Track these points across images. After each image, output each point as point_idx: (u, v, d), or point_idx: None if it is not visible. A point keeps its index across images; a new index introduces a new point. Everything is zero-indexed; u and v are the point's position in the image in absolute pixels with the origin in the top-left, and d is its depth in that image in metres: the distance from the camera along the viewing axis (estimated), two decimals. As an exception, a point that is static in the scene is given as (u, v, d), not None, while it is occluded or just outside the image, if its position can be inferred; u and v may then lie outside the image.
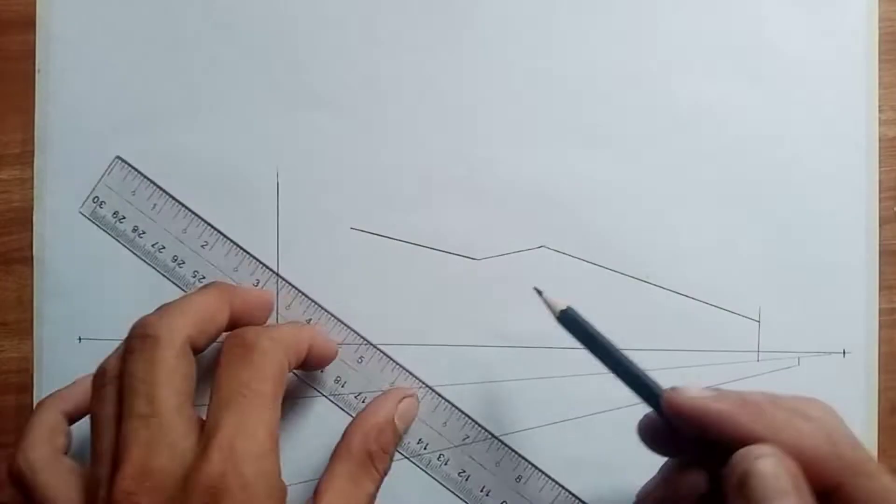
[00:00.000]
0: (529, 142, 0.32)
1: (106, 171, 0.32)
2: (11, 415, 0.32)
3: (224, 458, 0.23)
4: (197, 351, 0.27)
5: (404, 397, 0.31)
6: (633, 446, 0.32)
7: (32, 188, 0.32)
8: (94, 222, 0.32)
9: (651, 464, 0.32)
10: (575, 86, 0.32)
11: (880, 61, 0.32)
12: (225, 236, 0.32)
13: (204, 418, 0.25)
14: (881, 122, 0.32)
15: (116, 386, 0.25)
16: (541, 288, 0.28)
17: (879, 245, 0.32)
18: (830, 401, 0.31)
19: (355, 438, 0.29)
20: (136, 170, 0.32)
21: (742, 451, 0.23)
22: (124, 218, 0.32)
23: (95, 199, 0.32)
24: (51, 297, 0.32)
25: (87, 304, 0.32)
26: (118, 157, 0.32)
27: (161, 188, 0.32)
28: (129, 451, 0.24)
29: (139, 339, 0.25)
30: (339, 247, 0.32)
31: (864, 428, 0.31)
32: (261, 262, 0.32)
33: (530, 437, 0.32)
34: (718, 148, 0.32)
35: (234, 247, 0.32)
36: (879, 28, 0.32)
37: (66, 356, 0.32)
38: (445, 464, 0.32)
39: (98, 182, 0.32)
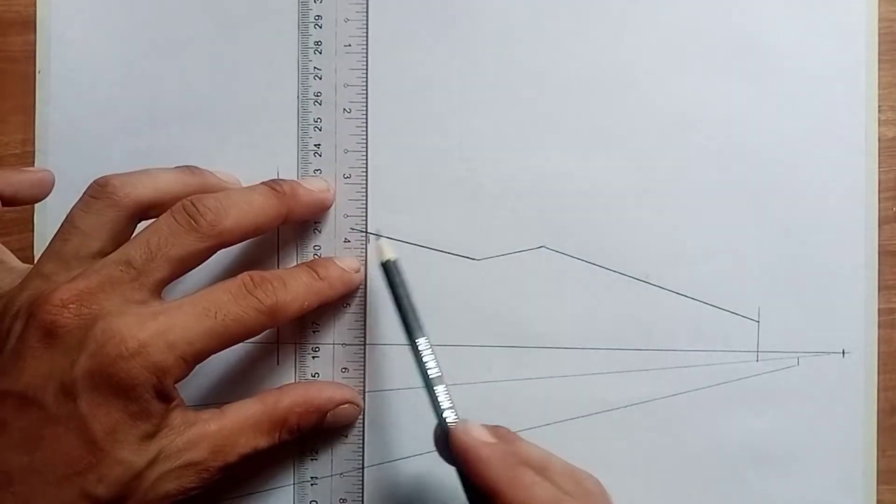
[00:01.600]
0: (529, 142, 0.32)
1: None
2: (12, 415, 0.32)
3: (155, 336, 0.25)
4: None
5: (348, 402, 0.31)
6: (633, 446, 0.32)
7: (33, 188, 0.32)
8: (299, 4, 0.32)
9: (651, 464, 0.32)
10: (575, 86, 0.32)
11: (880, 61, 0.32)
12: None
13: None
14: (881, 122, 0.32)
15: (122, 210, 0.27)
16: (379, 233, 0.31)
17: (879, 245, 0.32)
18: (830, 401, 0.32)
19: (287, 400, 0.29)
20: None
21: None
22: (319, 27, 0.32)
23: None
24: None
25: (87, 304, 0.32)
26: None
27: None
28: (91, 277, 0.26)
29: (186, 217, 0.27)
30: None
31: (862, 428, 0.31)
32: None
33: (530, 437, 0.32)
34: (718, 148, 0.32)
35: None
36: (879, 28, 0.32)
37: (66, 356, 0.32)
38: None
39: None
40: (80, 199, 0.28)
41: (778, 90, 0.32)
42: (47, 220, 0.32)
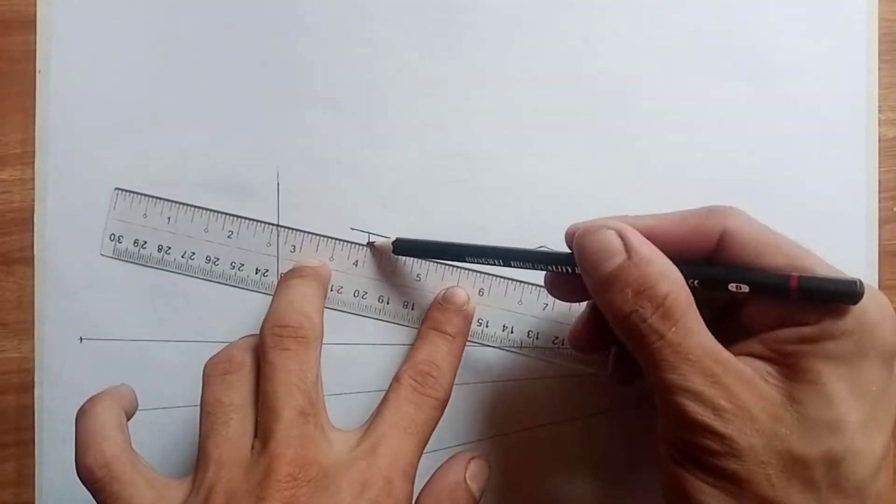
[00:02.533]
0: (529, 141, 0.32)
1: (111, 206, 0.32)
2: (11, 415, 0.33)
3: (390, 465, 0.26)
4: None
5: (472, 458, 0.30)
6: (634, 446, 0.32)
7: (33, 188, 0.32)
8: (120, 259, 0.32)
9: (650, 464, 0.32)
10: (575, 86, 0.32)
11: (880, 61, 0.32)
12: (245, 218, 0.32)
13: None
14: (881, 122, 0.32)
15: (252, 376, 0.27)
16: (372, 240, 0.32)
17: (879, 245, 0.32)
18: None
19: (427, 502, 0.28)
20: (138, 193, 0.32)
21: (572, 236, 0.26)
22: (146, 243, 0.32)
23: (112, 237, 0.32)
24: (51, 297, 0.32)
25: (87, 304, 0.32)
26: (117, 189, 0.32)
27: (168, 199, 0.32)
28: (291, 443, 0.25)
29: (293, 339, 0.27)
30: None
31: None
32: (289, 228, 0.32)
33: (530, 437, 0.32)
34: (718, 148, 0.32)
35: (258, 224, 0.32)
36: (879, 28, 0.32)
37: (66, 356, 0.32)
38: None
39: (107, 219, 0.32)
40: (212, 381, 0.27)
41: (778, 90, 0.32)
42: (47, 220, 0.32)
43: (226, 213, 0.32)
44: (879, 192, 0.32)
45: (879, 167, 0.32)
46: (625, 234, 0.24)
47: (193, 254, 0.32)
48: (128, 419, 0.28)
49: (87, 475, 0.25)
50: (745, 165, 0.32)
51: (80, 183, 0.33)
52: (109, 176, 0.33)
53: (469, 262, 0.30)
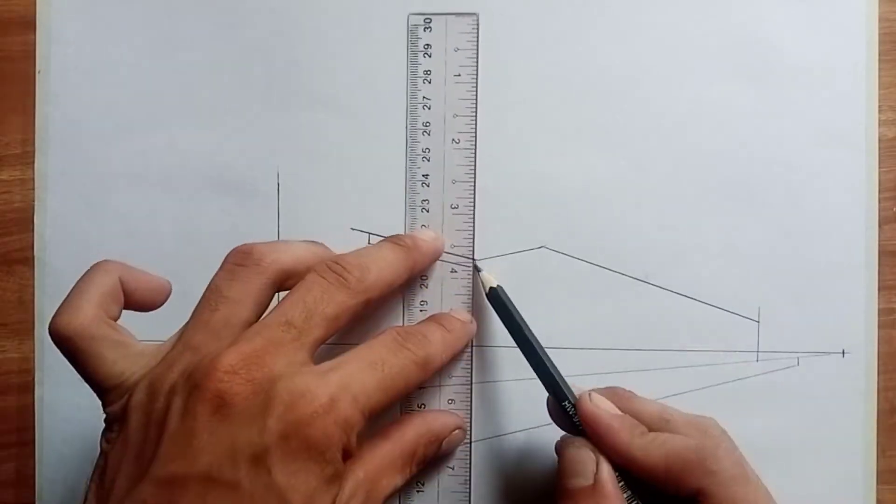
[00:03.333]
0: (529, 142, 0.32)
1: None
2: (12, 415, 0.33)
3: (341, 390, 0.24)
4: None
5: (458, 428, 0.31)
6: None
7: (33, 188, 0.33)
8: (409, 33, 0.32)
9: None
10: (575, 86, 0.32)
11: (880, 61, 0.32)
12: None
13: None
14: (881, 122, 0.32)
15: (262, 277, 0.26)
16: (480, 266, 0.31)
17: (879, 245, 0.32)
18: (829, 401, 0.32)
19: (411, 432, 0.28)
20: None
21: (560, 439, 0.28)
22: (429, 56, 0.32)
23: (427, 20, 0.32)
24: (51, 297, 0.32)
25: (87, 304, 0.32)
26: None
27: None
28: (254, 340, 0.24)
29: (335, 275, 0.26)
30: (339, 247, 0.32)
31: (862, 428, 0.31)
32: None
33: (530, 437, 0.32)
34: (719, 148, 0.32)
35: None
36: (879, 28, 0.32)
37: (66, 356, 0.32)
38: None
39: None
40: (223, 267, 0.26)
41: (778, 90, 0.32)
42: (47, 220, 0.33)
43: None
44: (879, 192, 0.32)
45: (879, 167, 0.32)
46: (600, 461, 0.26)
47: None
48: (136, 304, 0.28)
49: (55, 337, 0.25)
50: (745, 165, 0.32)
51: (80, 183, 0.33)
52: (109, 176, 0.33)
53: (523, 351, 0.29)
